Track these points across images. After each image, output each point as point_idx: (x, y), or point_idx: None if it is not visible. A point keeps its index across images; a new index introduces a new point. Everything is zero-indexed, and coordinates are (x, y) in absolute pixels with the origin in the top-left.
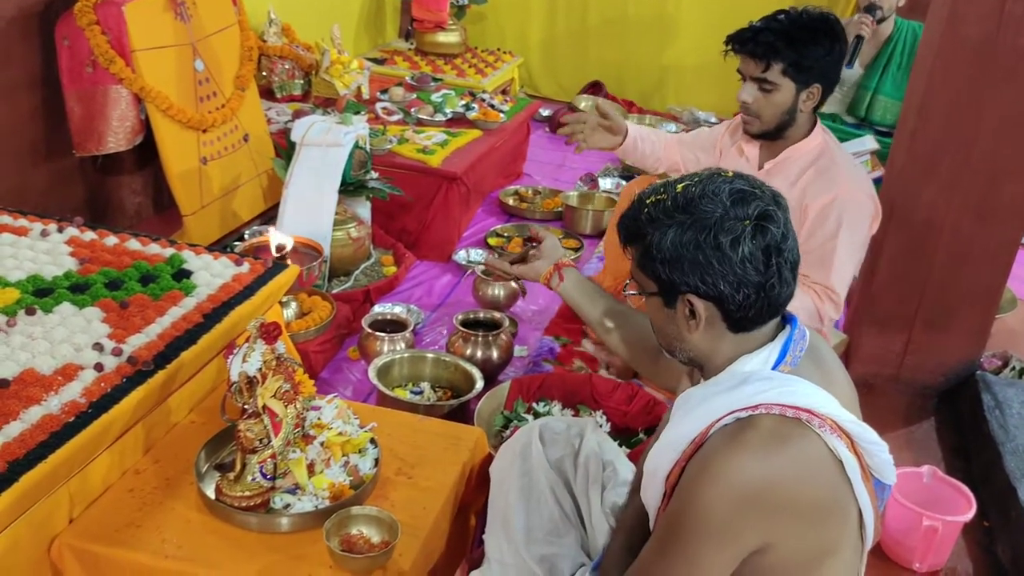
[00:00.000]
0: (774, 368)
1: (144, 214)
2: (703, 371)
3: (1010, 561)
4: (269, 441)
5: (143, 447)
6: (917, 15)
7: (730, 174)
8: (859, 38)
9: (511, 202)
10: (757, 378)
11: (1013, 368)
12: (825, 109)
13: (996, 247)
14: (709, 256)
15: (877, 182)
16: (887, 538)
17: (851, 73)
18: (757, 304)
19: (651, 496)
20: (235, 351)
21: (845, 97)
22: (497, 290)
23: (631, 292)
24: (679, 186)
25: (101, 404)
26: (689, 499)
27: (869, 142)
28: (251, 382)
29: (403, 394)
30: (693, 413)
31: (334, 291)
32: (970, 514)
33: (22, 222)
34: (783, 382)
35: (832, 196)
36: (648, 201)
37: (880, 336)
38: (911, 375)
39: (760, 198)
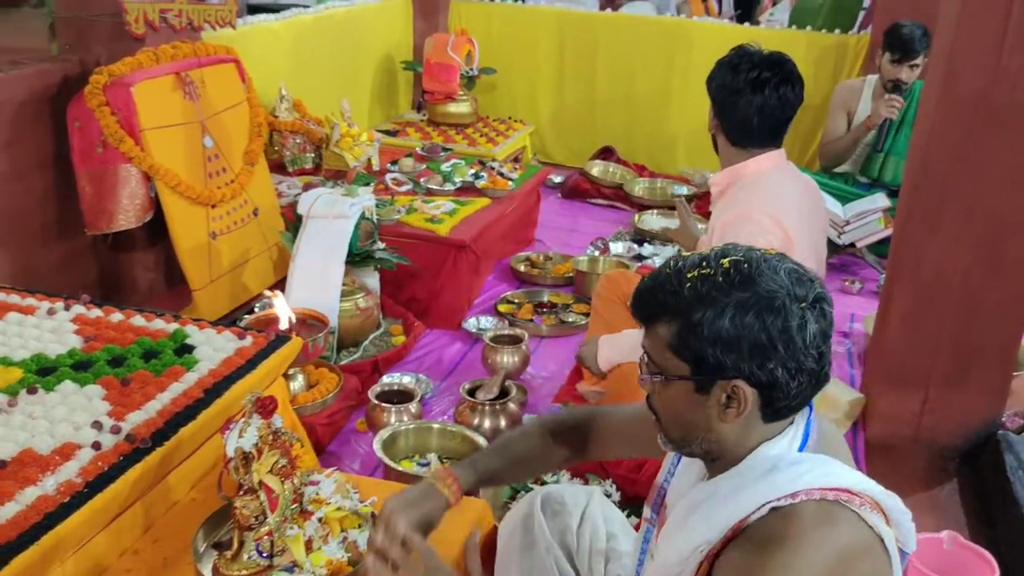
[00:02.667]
0: (800, 451)
1: (156, 289)
2: (714, 461)
3: None
4: (265, 518)
5: (142, 526)
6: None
7: (771, 251)
8: (888, 121)
9: (522, 268)
10: (787, 463)
11: None
12: (838, 169)
13: (1008, 301)
14: (775, 339)
15: (887, 241)
16: None
17: (871, 142)
18: (805, 392)
19: None
20: (231, 426)
21: (858, 158)
22: (507, 357)
23: (647, 376)
24: (724, 260)
25: (97, 483)
26: None
27: (881, 200)
28: (247, 458)
29: (409, 466)
30: (719, 507)
31: (342, 362)
32: None
33: (29, 301)
34: (815, 464)
35: (736, 214)
36: (690, 275)
37: (896, 395)
38: (930, 435)
39: (813, 279)
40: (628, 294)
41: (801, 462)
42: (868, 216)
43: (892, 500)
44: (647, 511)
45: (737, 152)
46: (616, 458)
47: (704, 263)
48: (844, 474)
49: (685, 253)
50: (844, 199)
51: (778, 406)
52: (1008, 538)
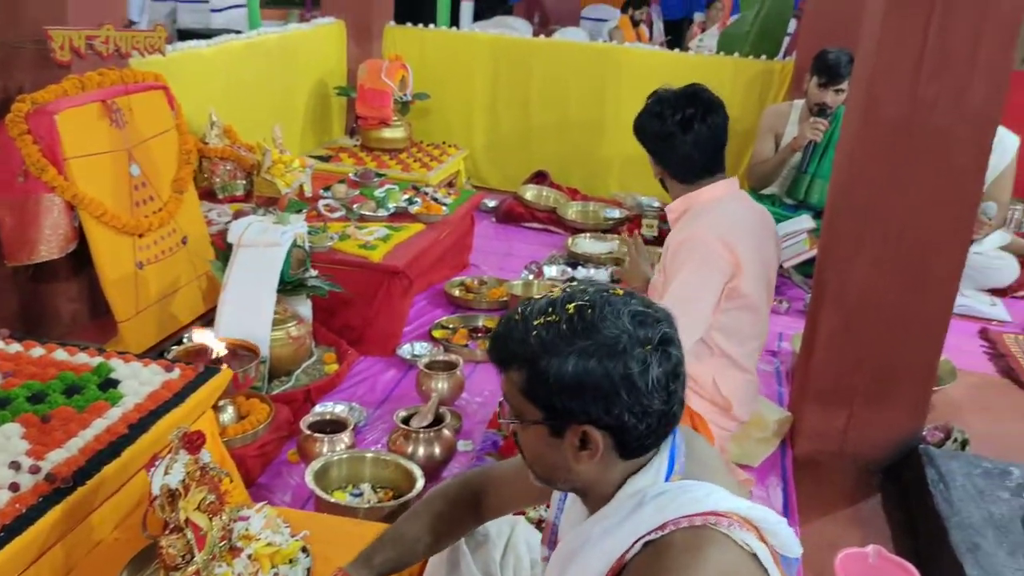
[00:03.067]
0: (666, 479)
1: (80, 321)
2: (585, 497)
3: None
4: (192, 557)
5: (63, 569)
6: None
7: (618, 291)
8: (812, 143)
9: (456, 293)
10: (652, 495)
11: (955, 440)
12: (765, 191)
13: (928, 320)
14: (617, 386)
15: (813, 261)
16: None
17: (796, 164)
18: (657, 431)
19: None
20: (157, 463)
21: (784, 180)
22: (441, 383)
23: (504, 421)
24: (569, 306)
25: (14, 527)
26: None
27: (806, 221)
28: (173, 495)
29: (342, 497)
30: (595, 550)
31: (274, 392)
32: None
33: None
34: (679, 491)
35: (687, 235)
36: (536, 323)
37: (822, 413)
38: (855, 451)
39: (660, 320)
40: None
41: (666, 492)
42: (794, 237)
43: (761, 511)
44: (544, 550)
45: (688, 188)
46: (516, 511)
47: (551, 309)
48: (708, 497)
49: (539, 295)
50: None
51: (632, 446)
52: (930, 549)
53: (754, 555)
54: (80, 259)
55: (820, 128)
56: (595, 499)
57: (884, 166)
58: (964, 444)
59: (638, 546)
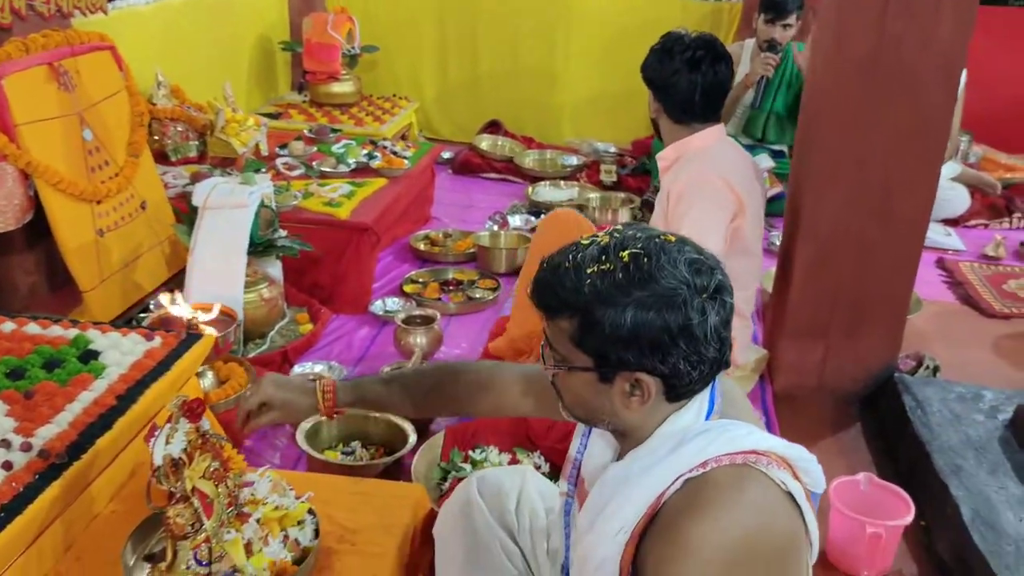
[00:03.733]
0: (706, 419)
1: (39, 293)
2: (624, 436)
3: (952, 558)
4: (201, 525)
5: (63, 545)
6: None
7: (670, 237)
8: (765, 79)
9: (423, 247)
10: (694, 434)
11: (927, 367)
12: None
13: (900, 253)
14: (676, 337)
15: (776, 199)
16: (833, 549)
17: (745, 96)
18: (707, 377)
19: None
20: (156, 433)
21: (739, 119)
22: (420, 338)
23: (549, 368)
24: (624, 254)
25: (13, 506)
26: None
27: (765, 160)
28: (176, 464)
29: (334, 456)
30: (635, 487)
31: (250, 355)
32: (910, 517)
33: None
34: (720, 430)
35: (692, 178)
36: (590, 271)
37: (799, 348)
38: (833, 383)
39: (713, 268)
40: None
41: (708, 431)
42: None
43: (796, 451)
44: (564, 485)
45: (681, 129)
46: (514, 416)
47: (604, 257)
48: (748, 436)
49: (584, 240)
50: None
51: (681, 391)
52: (913, 473)
53: (789, 493)
54: (37, 229)
55: (771, 63)
56: (633, 440)
57: (853, 102)
58: (935, 371)
59: (679, 483)
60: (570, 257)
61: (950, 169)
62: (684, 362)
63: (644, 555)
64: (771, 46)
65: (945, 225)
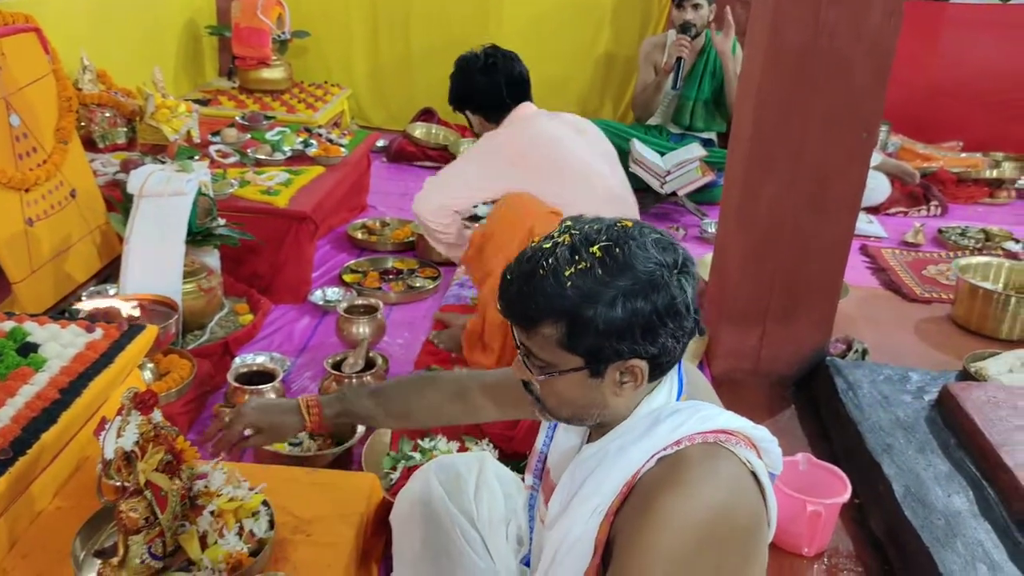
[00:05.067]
0: (677, 399)
1: None
2: (603, 426)
3: (884, 533)
4: (156, 519)
5: (7, 543)
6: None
7: (626, 222)
8: (680, 60)
9: (360, 236)
10: (668, 413)
11: (856, 351)
12: (652, 122)
13: (833, 239)
14: (663, 317)
15: (708, 187)
16: (776, 528)
17: (669, 85)
18: (682, 349)
19: (574, 562)
20: (107, 426)
21: (667, 109)
22: (364, 328)
23: (535, 377)
24: (594, 248)
25: None
26: (642, 551)
27: (696, 149)
28: (129, 458)
29: (281, 447)
30: (611, 467)
31: (190, 347)
32: (847, 495)
33: None
34: (692, 410)
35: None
36: (568, 273)
37: (737, 332)
38: (768, 367)
39: (674, 242)
40: (531, 227)
41: (680, 410)
42: (687, 166)
43: (760, 431)
44: (529, 479)
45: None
46: (487, 421)
47: (576, 257)
48: (719, 416)
49: (544, 243)
50: (661, 152)
51: (664, 368)
52: (846, 453)
53: (753, 472)
54: None
55: (684, 44)
56: (613, 424)
57: (788, 90)
58: (864, 353)
59: (653, 461)
60: (542, 263)
61: (871, 159)
62: (671, 339)
63: (617, 531)
64: (684, 28)
65: (867, 213)
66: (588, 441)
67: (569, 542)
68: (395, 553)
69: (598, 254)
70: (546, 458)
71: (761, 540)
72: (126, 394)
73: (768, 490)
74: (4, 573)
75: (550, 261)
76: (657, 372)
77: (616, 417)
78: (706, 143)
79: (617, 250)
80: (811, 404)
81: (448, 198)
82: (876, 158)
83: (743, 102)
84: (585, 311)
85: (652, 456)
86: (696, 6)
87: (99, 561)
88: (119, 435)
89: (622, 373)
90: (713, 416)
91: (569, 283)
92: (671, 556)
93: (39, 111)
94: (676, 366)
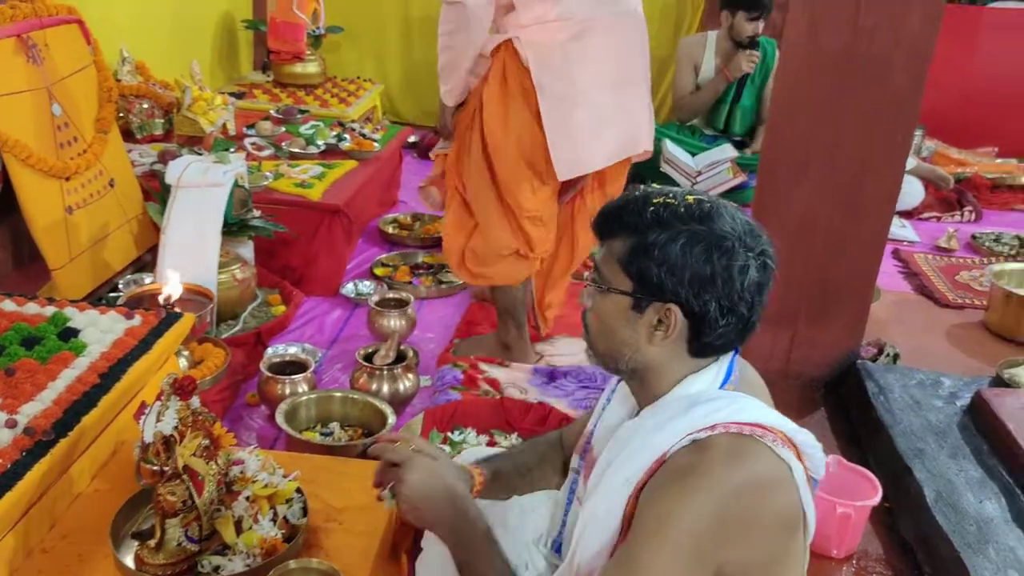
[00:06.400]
0: (721, 388)
1: (3, 271)
2: (641, 384)
3: (914, 538)
4: (192, 502)
5: (49, 523)
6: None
7: (730, 205)
8: (748, 76)
9: (391, 230)
10: (706, 399)
11: (887, 355)
12: (686, 122)
13: (866, 241)
14: (717, 274)
15: (739, 188)
16: None
17: (731, 97)
18: (731, 335)
19: (600, 534)
20: (147, 411)
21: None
22: (395, 321)
23: (589, 284)
24: (689, 197)
25: (2, 483)
26: (658, 525)
27: (728, 150)
28: (168, 442)
29: (313, 436)
30: (646, 443)
31: (224, 336)
32: (877, 498)
33: None
34: (732, 400)
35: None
36: (655, 200)
37: (768, 334)
38: (799, 368)
39: (763, 235)
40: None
41: (720, 398)
42: (718, 166)
43: (803, 435)
44: (575, 460)
45: None
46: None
47: (670, 194)
48: (759, 411)
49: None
50: (693, 152)
51: (704, 341)
52: (877, 456)
53: (790, 471)
54: (1, 205)
55: (755, 60)
56: (649, 391)
57: (825, 93)
58: (895, 358)
59: (686, 441)
60: (640, 189)
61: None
62: (716, 304)
63: (640, 505)
64: (752, 42)
65: (900, 217)
66: (631, 419)
67: (599, 516)
68: (424, 545)
69: (689, 200)
70: (591, 438)
71: (793, 537)
72: (166, 380)
73: (803, 490)
74: (44, 553)
75: (648, 190)
76: (696, 344)
77: (652, 377)
78: (739, 144)
79: (707, 205)
80: (841, 407)
81: None
82: (910, 162)
83: (777, 104)
84: (650, 234)
85: (686, 435)
86: (763, 22)
87: (136, 543)
88: (158, 419)
89: (660, 320)
90: (752, 409)
91: (651, 208)
92: (681, 532)
93: (80, 101)
94: (729, 357)
